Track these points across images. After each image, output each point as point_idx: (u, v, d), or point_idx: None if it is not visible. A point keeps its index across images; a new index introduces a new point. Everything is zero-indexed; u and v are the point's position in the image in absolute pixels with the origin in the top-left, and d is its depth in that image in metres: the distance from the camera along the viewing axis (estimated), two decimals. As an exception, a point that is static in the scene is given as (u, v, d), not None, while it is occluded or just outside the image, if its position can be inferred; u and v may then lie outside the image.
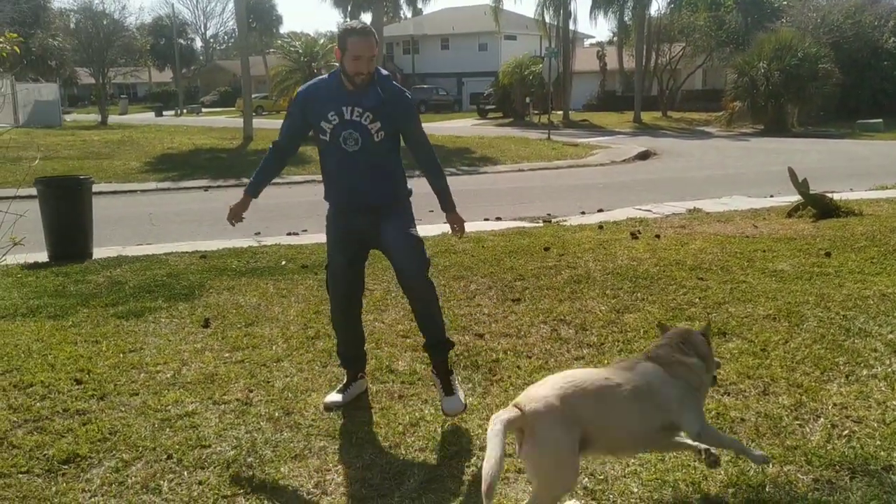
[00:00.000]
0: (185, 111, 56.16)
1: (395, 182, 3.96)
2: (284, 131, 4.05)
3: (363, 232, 3.93)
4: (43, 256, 8.16)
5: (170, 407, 4.01)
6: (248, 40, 31.50)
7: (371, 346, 4.88)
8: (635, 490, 3.07)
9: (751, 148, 24.57)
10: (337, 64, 3.86)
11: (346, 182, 3.89)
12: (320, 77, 4.08)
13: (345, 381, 4.15)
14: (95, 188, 9.17)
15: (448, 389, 3.86)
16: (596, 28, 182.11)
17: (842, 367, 4.30)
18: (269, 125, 34.55)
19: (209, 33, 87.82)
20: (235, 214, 4.27)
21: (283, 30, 71.70)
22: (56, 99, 37.51)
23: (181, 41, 66.64)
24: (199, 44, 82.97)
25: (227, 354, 4.84)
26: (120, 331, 5.36)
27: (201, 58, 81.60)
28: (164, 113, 54.02)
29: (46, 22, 40.99)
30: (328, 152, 3.89)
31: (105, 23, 39.62)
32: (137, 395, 4.18)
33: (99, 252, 8.33)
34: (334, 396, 4.04)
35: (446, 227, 10.04)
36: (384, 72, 3.90)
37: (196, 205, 13.68)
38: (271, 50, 54.08)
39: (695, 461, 3.16)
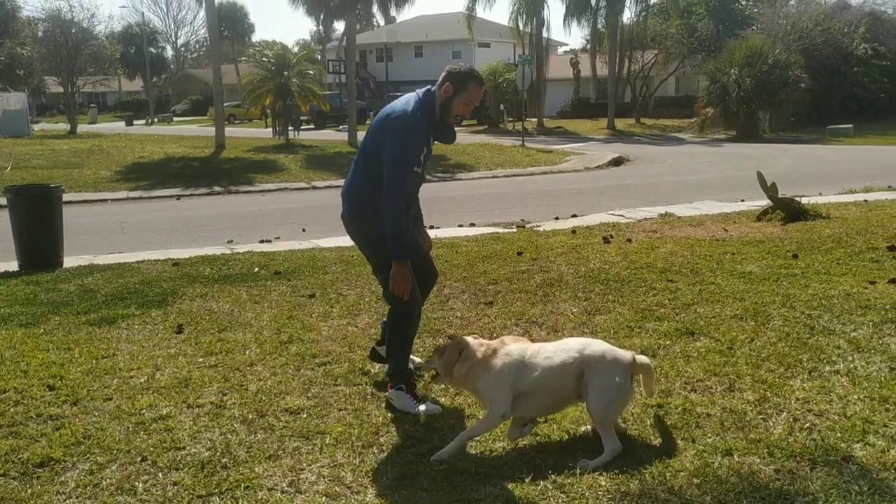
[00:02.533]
0: (156, 120, 55.76)
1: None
2: (411, 178, 3.93)
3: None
4: (13, 265, 8.12)
5: (144, 411, 4.02)
6: (219, 49, 31.43)
7: (344, 350, 4.94)
8: (604, 483, 3.14)
9: (723, 153, 24.90)
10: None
11: (414, 203, 4.21)
12: (415, 105, 3.90)
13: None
14: (66, 197, 9.13)
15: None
16: (570, 35, 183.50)
17: (805, 364, 4.41)
18: (242, 134, 34.48)
19: (180, 42, 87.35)
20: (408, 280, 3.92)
21: (256, 38, 71.62)
22: (24, 108, 37.04)
23: (152, 50, 66.10)
24: (169, 52, 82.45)
25: (200, 359, 4.85)
26: (92, 338, 5.35)
27: (172, 66, 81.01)
28: (135, 122, 53.54)
29: (14, 30, 40.53)
30: (413, 179, 3.97)
31: (74, 31, 39.25)
32: (111, 399, 4.19)
33: (70, 261, 8.29)
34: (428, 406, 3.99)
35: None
36: None
37: (168, 213, 13.62)
38: (243, 58, 53.87)
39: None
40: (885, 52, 37.78)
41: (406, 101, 3.96)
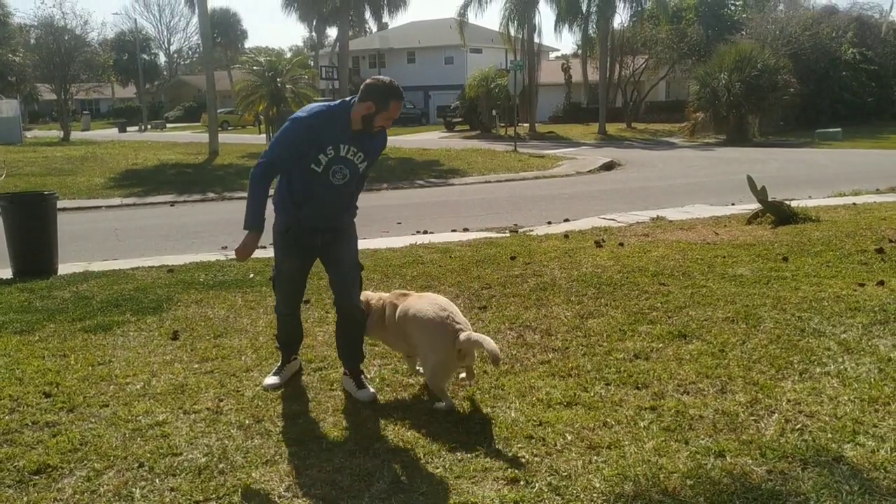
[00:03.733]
0: (149, 127, 55.73)
1: (355, 207, 4.49)
2: (283, 155, 4.10)
3: (318, 246, 4.36)
4: (7, 273, 8.12)
5: (140, 417, 4.03)
6: (212, 55, 31.43)
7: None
8: (597, 485, 3.17)
9: (713, 157, 25.02)
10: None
11: (323, 208, 4.22)
12: (324, 105, 4.13)
13: (280, 364, 4.59)
14: (59, 204, 9.13)
15: (361, 384, 4.29)
16: (561, 41, 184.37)
17: (796, 366, 4.46)
18: (235, 140, 34.48)
19: (173, 48, 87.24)
20: (249, 253, 4.26)
21: (249, 44, 71.54)
22: (16, 115, 36.99)
23: (144, 56, 66.02)
24: (162, 59, 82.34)
25: (196, 365, 4.87)
26: (88, 344, 5.36)
27: (165, 73, 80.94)
28: (128, 129, 53.52)
29: (6, 37, 40.43)
30: (311, 180, 4.11)
31: (66, 38, 39.17)
32: (107, 406, 4.20)
33: (64, 268, 8.28)
34: (272, 379, 4.46)
35: (413, 239, 10.15)
36: None
37: (162, 220, 13.62)
38: (236, 65, 53.89)
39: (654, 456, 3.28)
40: (873, 56, 38.04)
41: (322, 104, 4.18)
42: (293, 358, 4.66)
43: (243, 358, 4.98)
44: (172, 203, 16.20)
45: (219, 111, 36.54)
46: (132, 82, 66.81)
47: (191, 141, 34.51)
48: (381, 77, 4.13)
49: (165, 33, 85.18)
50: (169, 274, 7.76)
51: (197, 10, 29.97)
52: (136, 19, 75.58)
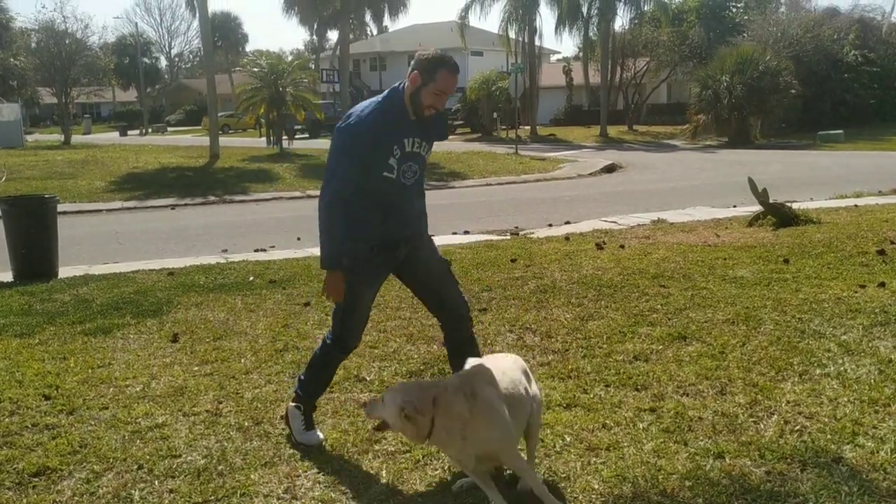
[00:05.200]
0: (150, 130, 55.79)
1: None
2: (349, 176, 3.46)
3: (397, 261, 3.70)
4: (8, 276, 8.12)
5: (140, 419, 4.04)
6: (213, 59, 31.49)
7: (340, 357, 4.95)
8: (596, 486, 3.17)
9: (715, 160, 25.00)
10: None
11: (404, 215, 3.62)
12: (371, 104, 3.55)
13: (306, 412, 3.76)
14: (60, 208, 9.14)
15: None
16: (561, 44, 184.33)
17: (796, 367, 4.45)
18: (236, 143, 34.54)
19: (174, 52, 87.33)
20: (341, 293, 3.58)
21: (249, 48, 71.68)
22: (17, 119, 37.05)
23: (145, 60, 66.19)
24: (163, 62, 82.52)
25: (196, 368, 4.87)
26: (88, 347, 5.36)
27: (166, 76, 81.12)
28: (129, 132, 53.60)
29: (7, 41, 40.52)
30: (389, 189, 3.53)
31: (67, 42, 39.19)
32: (107, 408, 4.21)
33: (65, 271, 8.29)
34: (313, 436, 3.73)
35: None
36: None
37: (163, 223, 13.62)
38: (237, 68, 53.93)
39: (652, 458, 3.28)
40: (875, 58, 37.99)
41: (367, 103, 3.59)
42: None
43: (243, 360, 4.98)
44: (173, 206, 16.21)
45: (220, 114, 36.57)
46: (133, 86, 67.00)
47: (192, 144, 34.56)
48: (434, 51, 3.54)
49: (166, 37, 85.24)
50: (169, 277, 7.77)
51: (198, 14, 30.03)
52: (137, 23, 75.29)
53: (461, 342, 3.81)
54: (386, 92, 3.58)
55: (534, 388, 3.23)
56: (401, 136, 3.49)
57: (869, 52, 37.80)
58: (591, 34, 41.59)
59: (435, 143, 3.71)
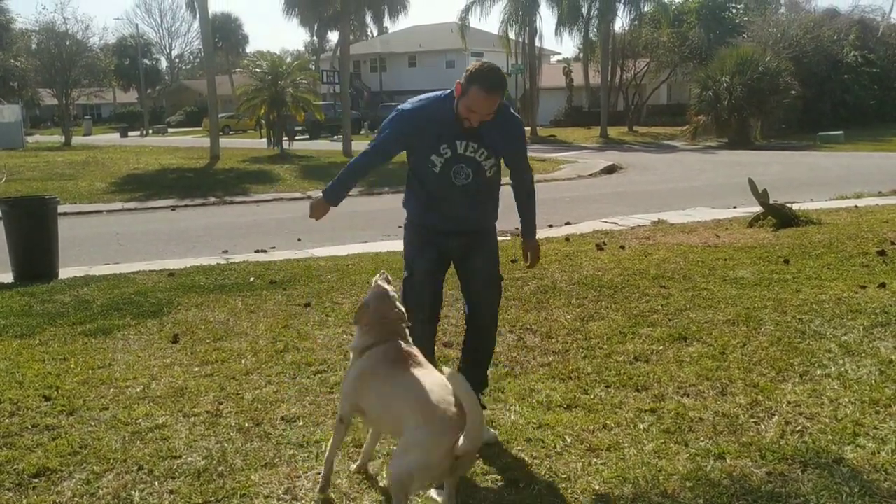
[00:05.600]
0: (150, 131, 55.75)
1: (495, 207, 3.88)
2: (380, 146, 3.75)
3: (452, 251, 3.84)
4: (8, 277, 8.12)
5: (140, 420, 4.03)
6: (213, 60, 31.49)
7: (340, 358, 4.95)
8: (597, 487, 3.17)
9: (715, 161, 25.00)
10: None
11: (449, 211, 3.75)
12: (433, 96, 3.68)
13: None
14: (60, 209, 9.13)
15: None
16: (562, 45, 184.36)
17: (797, 368, 4.45)
18: (237, 144, 34.53)
19: (174, 53, 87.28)
20: (317, 215, 3.85)
21: (250, 49, 71.63)
22: (18, 120, 37.06)
23: (146, 61, 66.10)
24: (164, 64, 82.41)
25: (196, 369, 4.87)
26: (88, 348, 5.36)
27: (167, 78, 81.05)
28: (130, 133, 53.55)
29: (8, 42, 40.51)
30: (434, 181, 3.70)
31: (68, 43, 39.19)
32: (107, 409, 4.20)
33: (65, 272, 8.29)
34: None
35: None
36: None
37: (164, 224, 13.62)
38: (238, 69, 53.96)
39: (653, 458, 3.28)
40: (875, 59, 37.99)
41: (430, 94, 3.73)
42: None
43: (243, 361, 4.97)
44: (174, 207, 16.21)
45: (220, 116, 36.60)
46: (134, 87, 66.92)
47: (192, 145, 34.55)
48: (485, 64, 3.48)
49: (167, 38, 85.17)
50: (170, 278, 7.76)
51: (198, 15, 30.02)
52: (137, 24, 74.97)
53: (473, 349, 3.96)
54: (449, 91, 3.63)
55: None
56: (451, 136, 3.58)
57: (869, 53, 37.81)
58: (591, 35, 41.58)
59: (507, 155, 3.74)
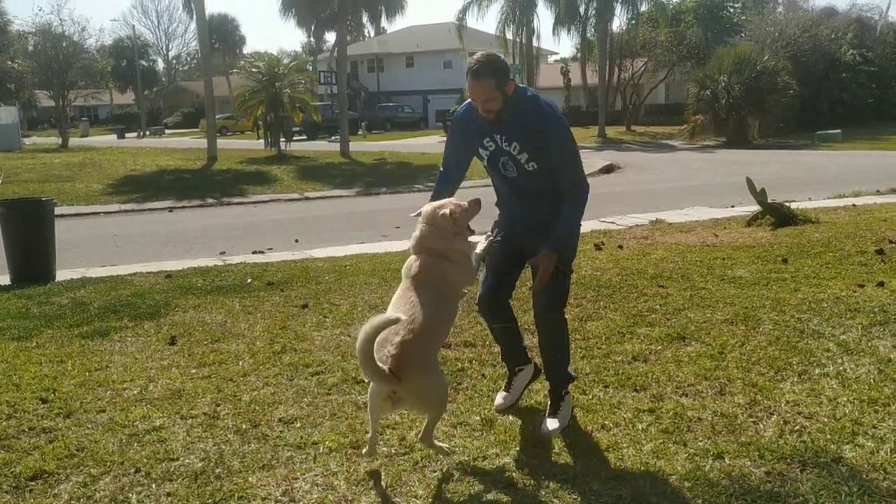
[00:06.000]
0: (147, 133, 55.73)
1: (553, 204, 3.72)
2: (447, 154, 3.99)
3: (520, 242, 3.93)
4: (5, 279, 8.11)
5: (137, 422, 4.02)
6: (210, 61, 31.48)
7: (338, 359, 4.95)
8: (595, 488, 3.16)
9: (713, 160, 25.01)
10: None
11: (507, 203, 3.99)
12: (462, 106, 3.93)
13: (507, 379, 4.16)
14: (57, 211, 9.13)
15: (552, 412, 3.84)
16: (559, 44, 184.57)
17: (795, 367, 4.44)
18: (234, 145, 34.51)
19: (171, 54, 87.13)
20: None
21: (247, 50, 71.61)
22: (15, 122, 36.96)
23: (143, 63, 66.11)
24: (161, 65, 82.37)
25: (193, 370, 4.85)
26: (85, 350, 5.34)
27: (164, 79, 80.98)
28: (127, 135, 53.53)
29: (5, 44, 40.47)
30: (492, 174, 3.93)
31: (64, 45, 39.22)
32: (104, 411, 4.19)
33: (62, 274, 8.28)
34: (499, 399, 4.07)
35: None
36: (529, 91, 3.68)
37: (161, 226, 13.61)
38: (235, 70, 53.93)
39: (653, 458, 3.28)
40: (873, 57, 38.05)
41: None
42: (518, 369, 4.13)
43: (240, 363, 4.96)
44: (171, 209, 16.20)
45: (217, 117, 36.57)
46: (130, 88, 66.90)
47: (189, 147, 34.50)
48: (478, 54, 3.59)
49: (164, 39, 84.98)
50: (167, 279, 7.75)
51: (195, 16, 30.04)
52: (134, 25, 74.98)
53: (541, 337, 4.03)
54: None
55: None
56: (491, 131, 3.70)
57: (867, 52, 37.88)
58: (588, 35, 41.63)
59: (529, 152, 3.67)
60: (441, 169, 4.04)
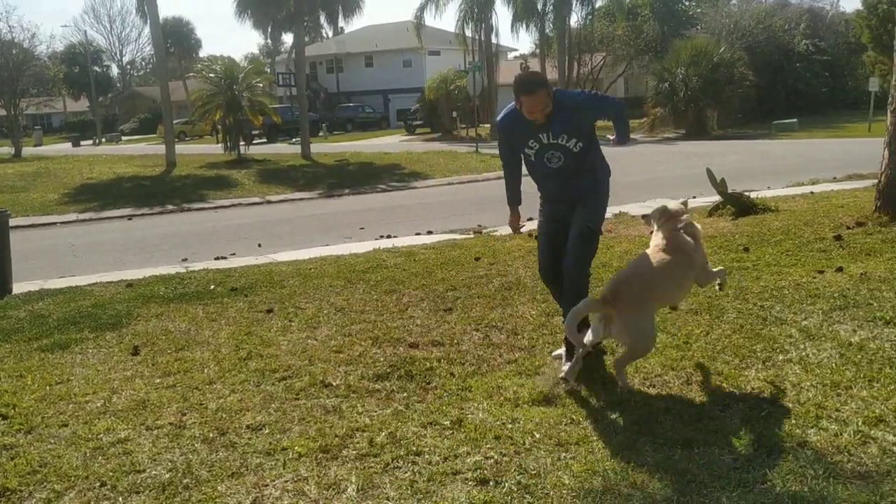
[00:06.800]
0: (104, 140, 54.81)
1: (596, 171, 4.64)
2: (502, 155, 4.80)
3: (562, 213, 4.65)
4: (-40, 294, 7.91)
5: (101, 435, 3.94)
6: (166, 65, 31.07)
7: (304, 363, 4.90)
8: (567, 482, 3.17)
9: (674, 152, 25.29)
10: None
11: (552, 187, 4.68)
12: (509, 108, 4.51)
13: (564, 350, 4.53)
14: (12, 222, 8.93)
15: (568, 356, 4.37)
16: (518, 41, 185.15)
17: (759, 354, 4.50)
18: (193, 150, 34.08)
19: (126, 59, 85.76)
20: (517, 226, 5.03)
21: (203, 53, 70.75)
22: (-34, 133, 36.14)
23: (96, 69, 65.03)
24: (115, 70, 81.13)
25: (158, 380, 4.78)
26: (45, 364, 5.24)
27: (119, 85, 79.72)
28: (82, 143, 52.58)
29: (-47, 54, 39.49)
30: (534, 166, 4.61)
31: (14, 52, 38.32)
32: (67, 425, 4.10)
33: (19, 287, 8.10)
34: (563, 368, 4.33)
35: (376, 244, 10.13)
36: (554, 88, 4.38)
37: (120, 234, 13.40)
38: (191, 74, 53.24)
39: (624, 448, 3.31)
40: (826, 47, 38.83)
41: (505, 109, 4.61)
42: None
43: (206, 370, 4.89)
44: (130, 217, 15.96)
45: (175, 122, 36.08)
46: (84, 95, 65.73)
47: (147, 153, 34.00)
48: (521, 73, 4.40)
49: (117, 44, 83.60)
50: (128, 289, 7.62)
51: (149, 20, 29.60)
52: (86, 31, 73.59)
53: (564, 290, 4.59)
54: (513, 104, 4.51)
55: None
56: (534, 132, 4.41)
57: (819, 42, 38.64)
58: (547, 31, 41.83)
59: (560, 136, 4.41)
60: (502, 162, 4.84)
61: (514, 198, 4.90)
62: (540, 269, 4.88)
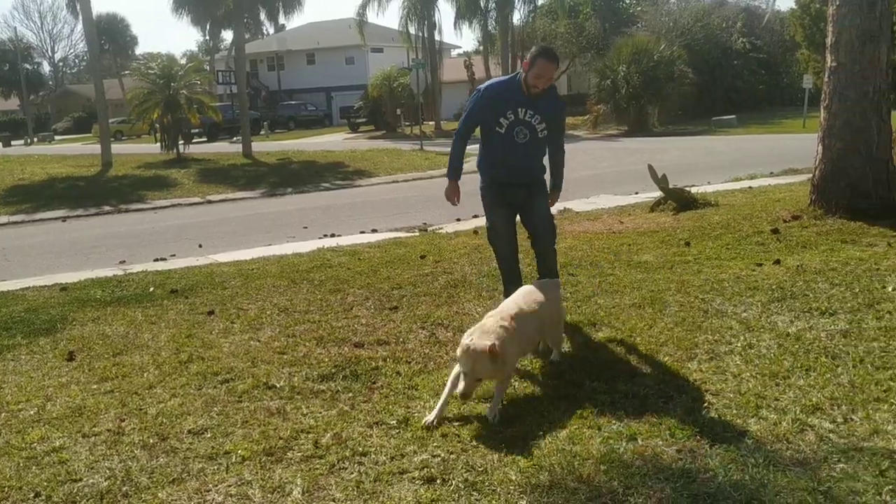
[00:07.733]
0: (35, 140, 53.21)
1: (542, 163, 5.29)
2: (466, 123, 5.19)
3: (516, 201, 5.27)
4: None
5: (35, 444, 3.80)
6: (100, 63, 30.29)
7: (247, 365, 4.82)
8: (514, 477, 3.16)
9: (616, 148, 25.62)
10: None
11: (512, 164, 5.16)
12: (498, 80, 5.18)
13: None
14: (-60, 224, 8.59)
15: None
16: (461, 38, 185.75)
17: (701, 346, 4.57)
18: (130, 150, 33.29)
19: (58, 56, 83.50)
20: (451, 197, 5.37)
21: (140, 51, 69.21)
22: None
23: (27, 66, 63.06)
24: (47, 68, 78.88)
25: (94, 386, 4.63)
26: (-25, 371, 5.04)
27: (51, 83, 77.49)
28: (13, 143, 50.93)
29: None
30: (498, 140, 5.08)
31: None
32: (-2, 435, 3.95)
33: (-52, 291, 7.79)
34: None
35: (320, 243, 10.02)
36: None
37: (54, 236, 13.01)
38: (127, 72, 52.04)
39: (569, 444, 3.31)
40: (762, 45, 39.81)
41: (499, 78, 5.27)
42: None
43: (145, 375, 4.77)
44: (64, 219, 15.52)
45: (111, 121, 35.21)
46: (15, 94, 63.74)
47: (82, 153, 33.00)
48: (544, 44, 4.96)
49: (49, 41, 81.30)
50: (62, 292, 7.39)
51: (81, 17, 28.76)
52: (15, 27, 71.78)
53: (541, 257, 5.46)
54: (513, 74, 5.13)
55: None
56: (515, 105, 4.96)
57: (756, 40, 39.57)
58: (490, 28, 41.95)
59: (542, 124, 5.07)
60: (460, 132, 5.25)
61: (457, 171, 5.29)
62: (500, 252, 5.48)
